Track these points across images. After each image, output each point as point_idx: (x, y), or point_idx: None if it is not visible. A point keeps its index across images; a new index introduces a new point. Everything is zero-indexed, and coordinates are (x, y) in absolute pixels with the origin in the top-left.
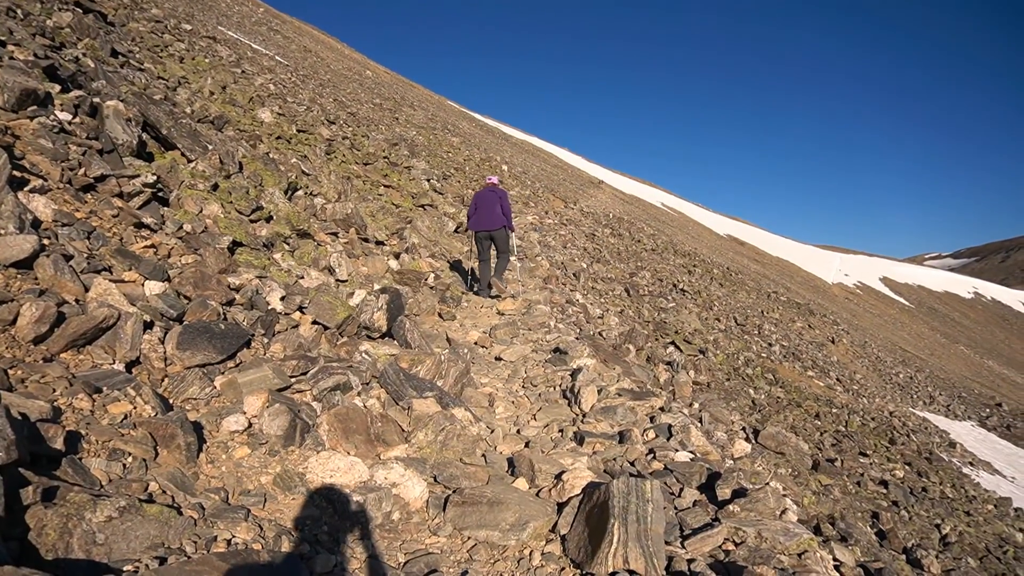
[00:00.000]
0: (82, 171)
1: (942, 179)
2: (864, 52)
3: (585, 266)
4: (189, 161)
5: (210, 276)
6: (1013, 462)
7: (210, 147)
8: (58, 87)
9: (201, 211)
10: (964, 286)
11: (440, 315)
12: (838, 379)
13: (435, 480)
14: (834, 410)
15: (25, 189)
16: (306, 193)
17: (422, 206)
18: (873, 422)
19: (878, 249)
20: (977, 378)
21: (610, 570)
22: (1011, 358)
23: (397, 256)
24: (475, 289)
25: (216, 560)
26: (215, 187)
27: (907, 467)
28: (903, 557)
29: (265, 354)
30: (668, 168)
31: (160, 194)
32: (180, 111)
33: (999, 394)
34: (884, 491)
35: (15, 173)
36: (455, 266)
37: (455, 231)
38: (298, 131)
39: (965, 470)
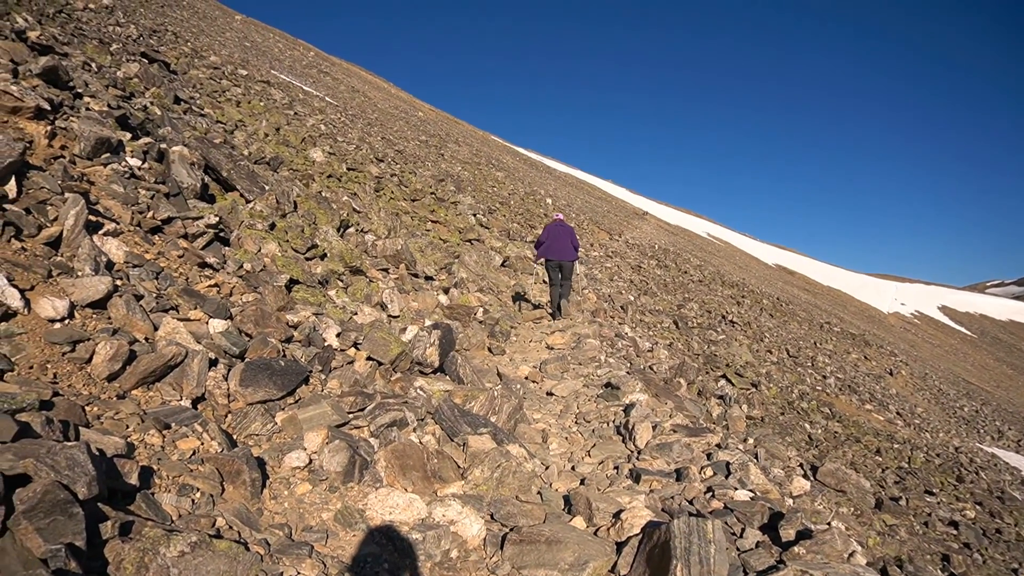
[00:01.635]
0: (151, 214)
1: (1004, 203)
2: (919, 77)
3: (632, 298)
4: (248, 201)
5: (269, 314)
6: None
7: (267, 187)
8: (129, 135)
9: (260, 250)
10: None
11: (490, 349)
12: (898, 413)
13: (492, 518)
14: (896, 445)
15: (99, 232)
16: (357, 230)
17: (469, 240)
18: (938, 458)
19: (936, 277)
20: None
21: None
22: None
23: (446, 291)
24: (552, 309)
25: None
26: (272, 226)
27: (978, 507)
28: None
29: (323, 390)
30: (713, 198)
31: (221, 234)
32: (238, 153)
33: None
34: (954, 532)
35: (90, 217)
36: (503, 300)
37: (502, 265)
38: (348, 169)
39: None
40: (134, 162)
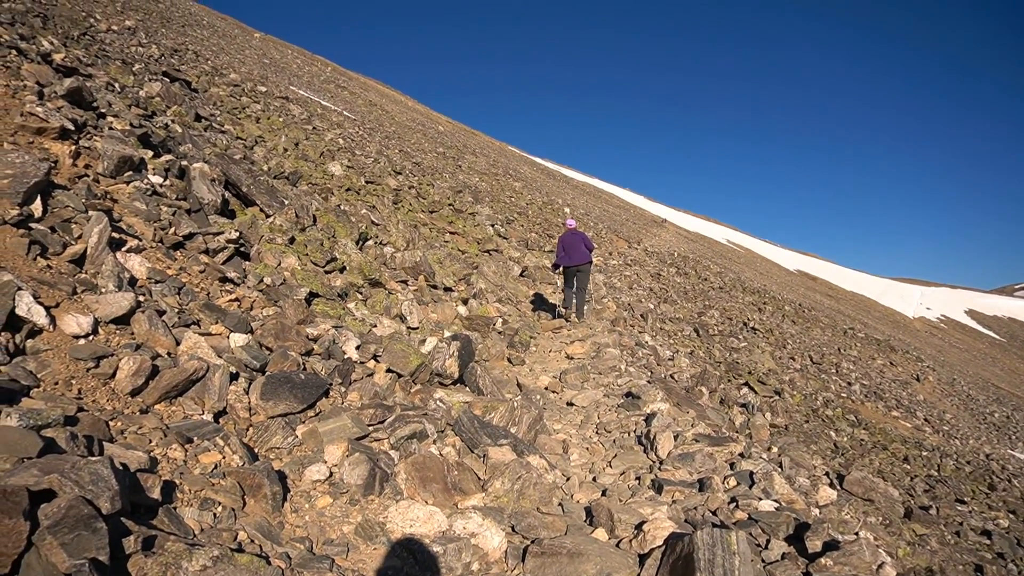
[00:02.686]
0: (172, 230)
1: None
2: (947, 80)
3: (652, 307)
4: (267, 216)
5: (289, 327)
6: None
7: (286, 202)
8: (151, 152)
9: (280, 264)
10: None
11: (509, 360)
12: (926, 419)
13: (513, 530)
14: (924, 453)
15: (123, 249)
16: (376, 243)
17: (487, 251)
18: (968, 466)
19: (961, 280)
20: None
21: None
22: None
23: (465, 302)
24: (565, 315)
25: None
26: (292, 240)
27: (1011, 515)
28: None
29: (343, 403)
30: (733, 205)
31: (242, 249)
32: (258, 169)
33: None
34: (987, 542)
35: (114, 234)
36: (522, 310)
37: (521, 275)
38: (367, 182)
39: None
40: (156, 179)
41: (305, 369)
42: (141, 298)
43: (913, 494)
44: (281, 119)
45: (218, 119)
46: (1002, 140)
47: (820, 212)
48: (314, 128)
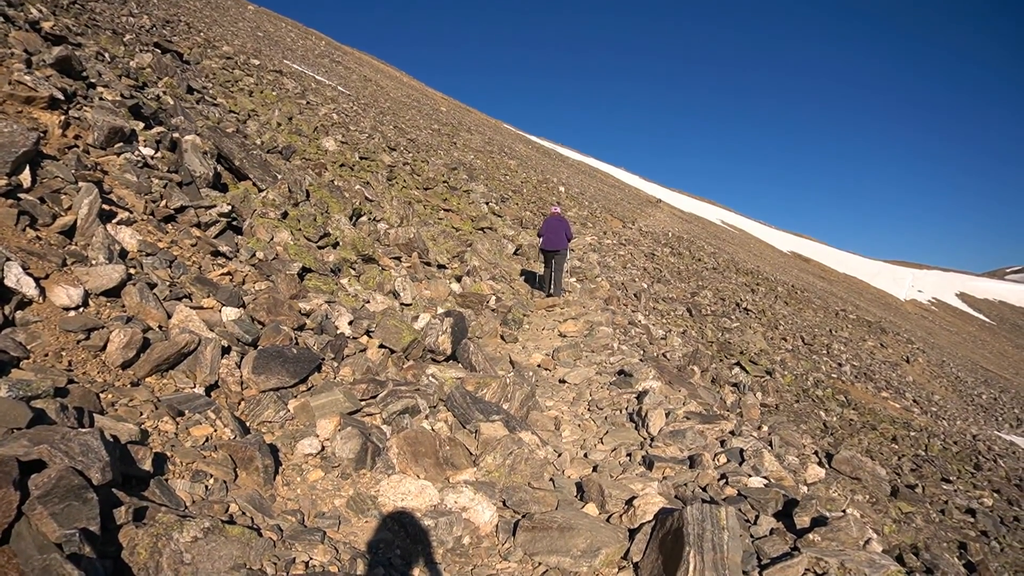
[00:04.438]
0: (163, 203)
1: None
2: (937, 63)
3: (646, 286)
4: (260, 190)
5: (282, 302)
6: None
7: (279, 176)
8: (142, 124)
9: (272, 239)
10: None
11: (502, 337)
12: (915, 400)
13: (504, 504)
14: (912, 433)
15: (113, 221)
16: (370, 219)
17: (482, 229)
18: (955, 446)
19: (953, 263)
20: None
21: None
22: None
23: (459, 279)
24: (549, 290)
25: None
26: (284, 215)
27: (996, 494)
28: None
29: (335, 378)
30: (727, 186)
31: (234, 223)
32: (251, 143)
33: None
34: (971, 520)
35: (104, 206)
36: (516, 288)
37: (515, 253)
38: (361, 158)
39: None
40: (147, 151)
41: (297, 344)
42: (132, 271)
43: (900, 473)
44: (275, 93)
45: (210, 92)
46: (996, 124)
47: (815, 194)
48: (308, 103)
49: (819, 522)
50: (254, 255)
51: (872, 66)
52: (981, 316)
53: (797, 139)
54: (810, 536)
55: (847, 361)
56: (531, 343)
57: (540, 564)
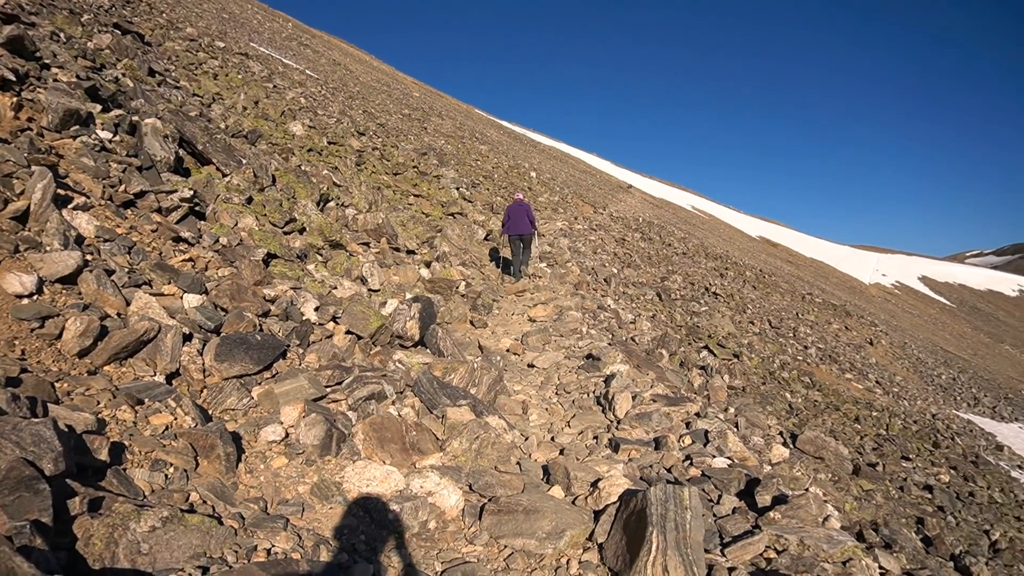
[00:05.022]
0: (122, 188)
1: (985, 174)
2: (903, 45)
3: (616, 271)
4: (224, 175)
5: (246, 288)
6: None
7: (244, 161)
8: (99, 107)
9: (236, 224)
10: (1008, 284)
11: (472, 323)
12: (877, 381)
13: (470, 488)
14: (874, 413)
15: (69, 207)
16: (338, 204)
17: (452, 214)
18: (915, 425)
19: (917, 248)
20: None
21: None
22: None
23: (428, 265)
24: (512, 273)
25: (256, 569)
26: (249, 200)
27: (952, 471)
28: (951, 564)
29: (300, 364)
30: (698, 171)
31: (197, 208)
32: (215, 127)
33: None
34: (929, 496)
35: (59, 191)
36: (486, 273)
37: (485, 238)
38: (329, 143)
39: (1014, 474)
40: (105, 135)
41: (262, 330)
42: (89, 257)
43: (862, 452)
44: (240, 76)
45: (173, 75)
46: (960, 113)
47: (784, 180)
48: (275, 86)
49: (780, 500)
50: (217, 241)
51: (833, 48)
52: (942, 299)
53: (767, 126)
54: (771, 514)
55: (813, 344)
56: (500, 328)
57: (506, 547)
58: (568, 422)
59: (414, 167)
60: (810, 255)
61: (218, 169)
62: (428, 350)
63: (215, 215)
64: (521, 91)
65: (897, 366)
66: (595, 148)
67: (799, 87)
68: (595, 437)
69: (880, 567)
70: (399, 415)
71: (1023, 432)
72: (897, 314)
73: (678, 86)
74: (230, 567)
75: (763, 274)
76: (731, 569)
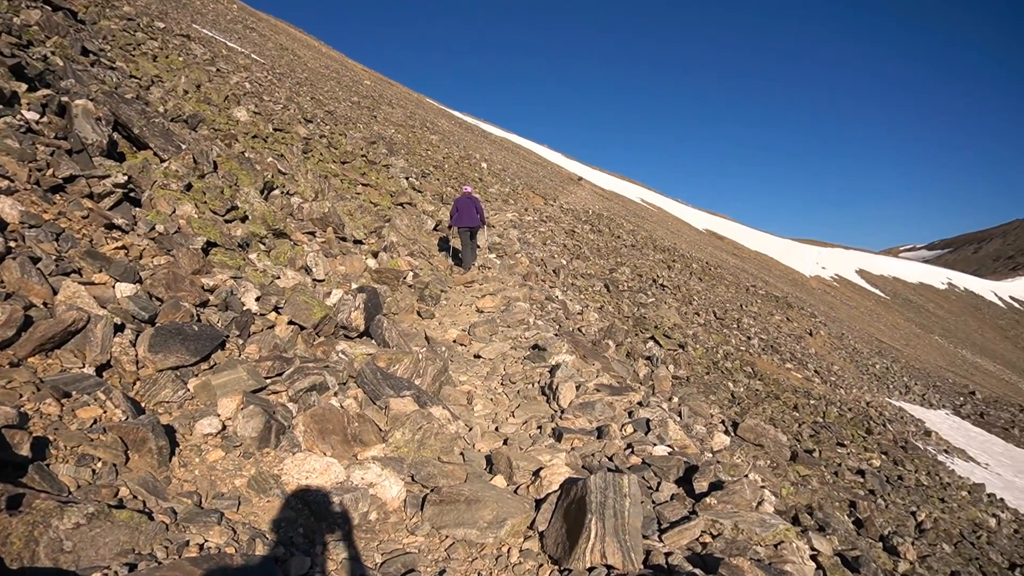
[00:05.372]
0: (50, 171)
1: (918, 172)
2: (840, 42)
3: (565, 263)
4: (162, 161)
5: (183, 277)
6: (986, 449)
7: (183, 146)
8: (25, 86)
9: (174, 211)
10: (938, 277)
11: (419, 313)
12: (816, 371)
13: (412, 479)
14: (812, 401)
15: None
16: (283, 192)
17: (401, 204)
18: (850, 412)
19: (855, 242)
20: (951, 367)
21: (588, 565)
22: (984, 347)
23: (375, 255)
24: (461, 264)
25: (187, 565)
26: (189, 187)
27: (884, 456)
28: (880, 545)
29: (240, 355)
30: (647, 164)
31: (132, 195)
32: (153, 110)
33: (972, 382)
34: (861, 480)
35: None
36: (434, 264)
37: (434, 229)
38: (275, 130)
39: (940, 458)
40: (31, 115)
41: (200, 321)
42: (12, 243)
43: (800, 439)
44: (181, 59)
45: (108, 55)
46: (903, 109)
47: (730, 173)
48: (218, 70)
49: (716, 486)
50: (153, 228)
51: (781, 39)
52: (877, 291)
53: (714, 117)
54: (707, 500)
55: (755, 334)
56: (448, 319)
57: (447, 537)
58: (513, 412)
59: (363, 156)
60: (755, 248)
61: (155, 154)
62: (373, 341)
63: (151, 202)
64: (472, 81)
65: (835, 356)
66: (546, 140)
67: (740, 77)
68: (539, 427)
69: (812, 548)
70: (341, 406)
71: (949, 418)
72: (836, 306)
73: (629, 78)
74: (159, 564)
75: (709, 266)
76: (668, 554)
